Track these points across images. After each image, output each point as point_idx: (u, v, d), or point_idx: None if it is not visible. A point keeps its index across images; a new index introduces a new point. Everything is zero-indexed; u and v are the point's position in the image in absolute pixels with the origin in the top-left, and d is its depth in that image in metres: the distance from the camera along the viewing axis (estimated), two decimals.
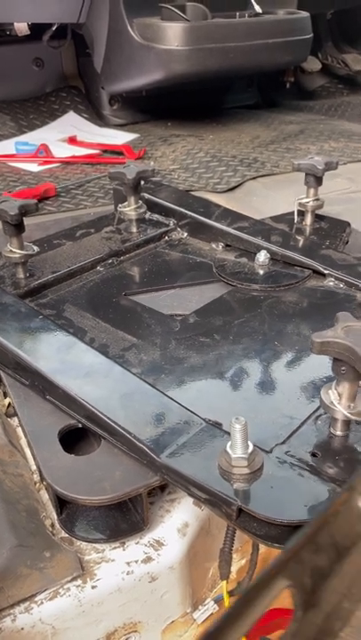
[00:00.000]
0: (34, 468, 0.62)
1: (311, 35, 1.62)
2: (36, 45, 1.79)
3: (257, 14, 1.56)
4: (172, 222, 1.04)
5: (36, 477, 0.61)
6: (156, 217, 1.06)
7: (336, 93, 2.21)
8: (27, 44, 1.79)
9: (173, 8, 1.45)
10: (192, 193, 1.24)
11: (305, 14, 1.61)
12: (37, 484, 0.61)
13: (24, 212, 0.80)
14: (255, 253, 0.92)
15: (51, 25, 1.69)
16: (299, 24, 1.59)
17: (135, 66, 1.53)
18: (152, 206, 1.06)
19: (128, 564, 0.53)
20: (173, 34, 1.42)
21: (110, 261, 0.93)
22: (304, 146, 1.51)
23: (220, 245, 0.99)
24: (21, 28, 1.68)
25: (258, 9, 1.55)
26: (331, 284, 0.86)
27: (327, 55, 2.23)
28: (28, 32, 1.71)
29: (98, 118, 1.81)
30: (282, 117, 1.80)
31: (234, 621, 0.27)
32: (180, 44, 1.42)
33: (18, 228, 0.80)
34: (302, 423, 0.56)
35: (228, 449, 0.48)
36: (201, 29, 1.44)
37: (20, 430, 0.68)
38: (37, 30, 1.73)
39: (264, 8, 1.59)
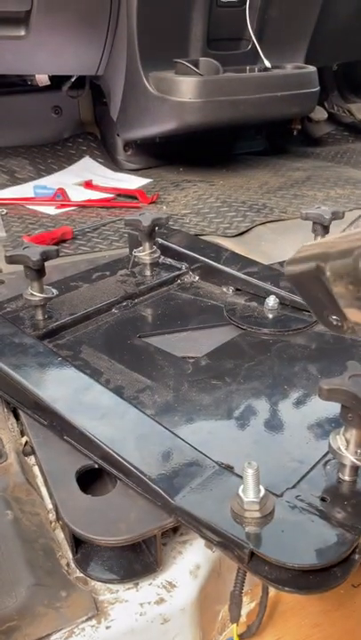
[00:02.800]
0: (49, 506, 0.64)
1: (318, 88, 1.71)
2: (56, 94, 1.89)
3: (266, 69, 1.64)
4: (184, 266, 1.08)
5: (52, 516, 0.63)
6: (169, 261, 1.10)
7: (342, 140, 2.29)
8: (46, 93, 1.89)
9: (187, 63, 1.54)
10: (203, 237, 1.29)
11: (312, 69, 1.70)
12: (53, 524, 0.63)
13: (45, 257, 0.84)
14: (265, 298, 0.95)
15: (70, 76, 1.79)
16: (306, 78, 1.67)
17: (150, 116, 1.61)
18: (165, 250, 1.10)
19: (141, 605, 0.54)
20: (187, 87, 1.50)
21: (125, 304, 0.97)
22: (311, 192, 1.56)
23: (231, 289, 1.02)
24: (42, 79, 1.78)
25: (267, 64, 1.63)
26: None
27: (333, 104, 2.32)
28: (49, 83, 1.81)
29: (112, 163, 1.88)
30: (289, 164, 1.87)
31: None
32: (193, 97, 1.50)
33: (39, 272, 0.84)
34: (312, 468, 0.58)
35: (241, 493, 0.50)
36: (213, 83, 1.52)
37: (35, 469, 0.70)
38: (57, 81, 1.83)
39: (273, 62, 1.68)
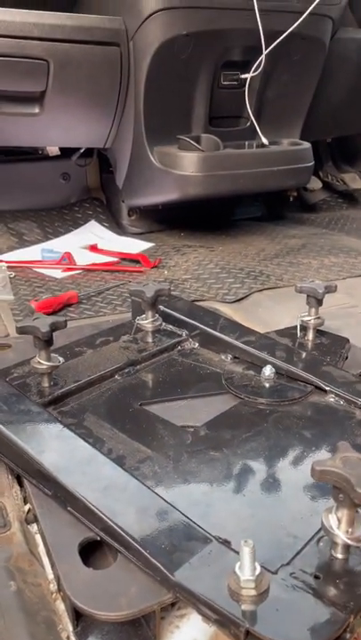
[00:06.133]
0: (51, 577, 0.65)
1: (313, 162, 1.82)
2: (65, 163, 2.01)
3: (264, 145, 1.76)
4: (184, 333, 1.13)
5: (53, 587, 0.65)
6: (170, 327, 1.15)
7: (336, 207, 2.40)
8: (56, 161, 2.00)
9: (189, 139, 1.65)
10: (202, 302, 1.35)
11: (307, 145, 1.81)
12: (54, 594, 0.64)
13: (54, 328, 0.88)
14: (261, 367, 0.99)
15: (80, 147, 1.90)
16: (301, 154, 1.78)
17: (153, 186, 1.70)
18: (166, 317, 1.15)
19: None
20: (189, 162, 1.61)
21: (127, 370, 1.01)
22: (306, 260, 1.64)
23: (229, 357, 1.07)
24: (53, 149, 1.90)
25: (265, 141, 1.75)
26: (332, 400, 0.92)
27: (327, 174, 2.45)
28: (59, 153, 1.92)
29: (117, 227, 1.97)
30: (285, 231, 1.96)
31: None
32: (194, 171, 1.60)
33: (47, 342, 0.88)
34: (306, 544, 0.60)
35: (237, 570, 0.52)
36: (214, 158, 1.63)
37: (38, 537, 0.72)
38: (67, 151, 1.95)
39: (270, 139, 1.79)
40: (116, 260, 1.67)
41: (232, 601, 0.52)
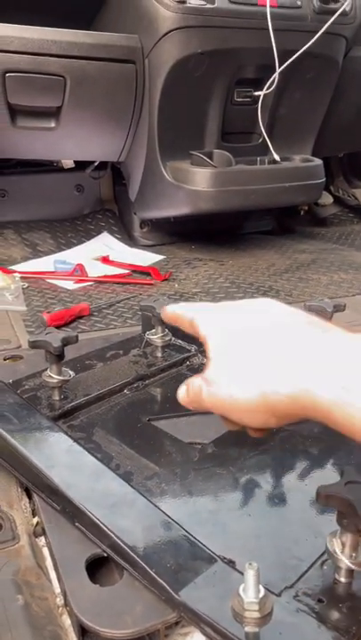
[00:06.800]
0: (57, 591, 0.66)
1: (324, 179, 1.83)
2: (79, 175, 2.04)
3: (276, 161, 1.78)
4: (193, 348, 1.14)
5: (59, 601, 0.66)
6: (179, 342, 1.16)
7: (347, 221, 2.41)
8: (70, 173, 2.04)
9: (202, 155, 1.67)
10: None
11: (319, 162, 1.83)
12: (60, 609, 0.65)
13: (66, 343, 0.90)
14: None
15: (94, 160, 1.93)
16: (313, 170, 1.80)
17: (166, 200, 1.73)
18: (175, 331, 1.16)
19: None
20: (201, 177, 1.63)
21: (136, 385, 1.02)
22: (315, 276, 1.64)
23: None
24: (67, 162, 1.93)
25: (277, 157, 1.77)
26: None
27: (339, 188, 2.46)
28: (73, 165, 1.95)
29: (128, 239, 1.99)
30: (296, 245, 1.97)
31: None
32: (206, 186, 1.62)
33: (59, 357, 0.90)
34: (310, 567, 0.60)
35: (241, 592, 0.53)
36: (226, 174, 1.65)
37: (45, 550, 0.73)
38: (81, 163, 1.98)
39: (282, 155, 1.81)
40: (127, 272, 1.69)
41: (235, 622, 0.53)
